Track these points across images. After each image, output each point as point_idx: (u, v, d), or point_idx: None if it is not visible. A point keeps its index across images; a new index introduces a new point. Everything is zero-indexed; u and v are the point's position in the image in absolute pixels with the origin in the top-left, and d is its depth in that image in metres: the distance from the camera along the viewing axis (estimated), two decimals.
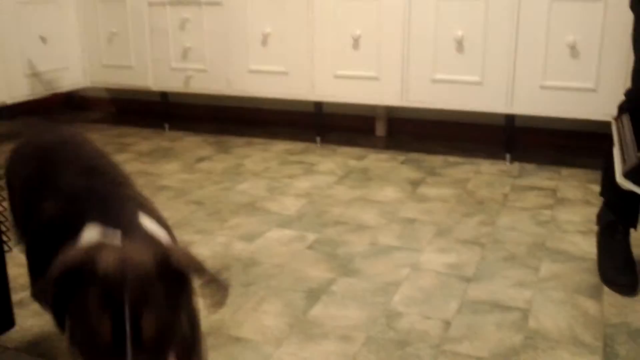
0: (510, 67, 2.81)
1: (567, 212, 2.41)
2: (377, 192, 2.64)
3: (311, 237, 2.21)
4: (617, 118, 1.70)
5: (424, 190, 2.66)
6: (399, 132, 3.54)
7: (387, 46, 3.01)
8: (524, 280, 1.89)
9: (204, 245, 2.15)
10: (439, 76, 2.95)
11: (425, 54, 2.95)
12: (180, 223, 2.34)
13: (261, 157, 3.17)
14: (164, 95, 3.72)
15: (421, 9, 2.91)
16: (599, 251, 1.98)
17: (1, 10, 3.20)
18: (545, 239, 2.17)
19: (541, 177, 2.80)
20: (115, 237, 0.89)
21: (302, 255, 2.07)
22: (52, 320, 1.03)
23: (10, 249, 1.68)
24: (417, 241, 2.17)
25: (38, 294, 0.91)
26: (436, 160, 3.07)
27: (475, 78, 2.88)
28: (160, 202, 2.56)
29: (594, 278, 1.90)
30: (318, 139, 3.37)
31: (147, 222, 1.00)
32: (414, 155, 3.15)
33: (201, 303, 0.92)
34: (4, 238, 1.65)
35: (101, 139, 3.53)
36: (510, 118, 2.98)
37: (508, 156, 3.01)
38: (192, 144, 3.43)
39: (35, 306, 1.70)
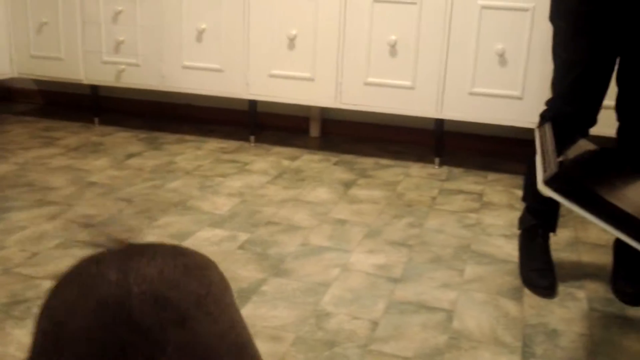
0: (441, 73, 2.88)
1: (492, 215, 2.49)
2: (310, 192, 2.67)
3: (243, 237, 2.21)
4: (540, 126, 1.77)
5: (355, 191, 2.70)
6: (332, 133, 3.58)
7: (323, 47, 3.04)
8: (449, 282, 1.95)
9: None
10: (372, 79, 2.99)
11: (359, 56, 2.99)
12: (109, 221, 2.30)
13: (193, 154, 3.14)
14: (94, 88, 3.63)
15: (356, 12, 2.95)
16: (520, 254, 2.06)
17: None
18: (470, 242, 2.24)
19: (468, 181, 2.88)
20: None
21: (233, 256, 2.07)
22: None
23: None
24: (348, 242, 2.20)
25: None
26: (368, 162, 3.12)
27: (407, 83, 2.94)
28: (87, 199, 2.50)
29: (515, 280, 1.98)
30: (252, 138, 3.37)
31: None
32: (347, 157, 3.19)
33: None
34: None
35: (28, 132, 3.43)
36: (439, 123, 3.05)
37: (437, 160, 3.09)
38: (123, 139, 3.37)
39: None
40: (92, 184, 2.68)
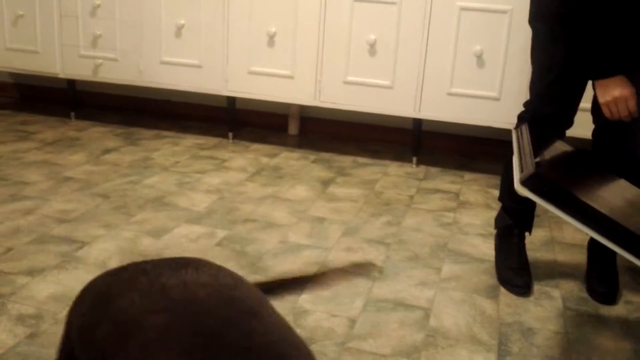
0: (420, 74, 2.90)
1: (468, 215, 2.51)
2: (288, 190, 2.67)
3: (220, 234, 2.21)
4: (517, 127, 1.80)
5: (333, 189, 2.70)
6: (311, 131, 3.58)
7: (302, 45, 3.04)
8: (426, 280, 1.96)
9: (109, 241, 2.10)
10: (351, 78, 3.00)
11: (339, 55, 3.00)
12: (85, 217, 2.28)
13: (171, 150, 3.13)
14: (71, 82, 3.60)
15: (336, 11, 2.95)
16: (497, 253, 2.08)
17: None
18: (447, 241, 2.26)
19: (445, 181, 2.91)
20: None
21: (211, 252, 2.07)
22: None
23: None
24: (326, 240, 2.20)
25: None
26: (346, 160, 3.13)
27: (386, 82, 2.95)
28: (64, 194, 2.48)
29: (491, 279, 2.00)
30: (230, 134, 3.36)
31: None
32: (325, 155, 3.19)
33: None
34: None
35: (3, 125, 3.38)
36: (417, 122, 3.07)
37: (415, 159, 3.10)
38: (99, 134, 3.34)
39: None
40: (68, 179, 2.65)
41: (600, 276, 1.96)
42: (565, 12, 1.74)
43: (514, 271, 1.98)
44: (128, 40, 3.30)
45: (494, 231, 2.15)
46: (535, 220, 2.08)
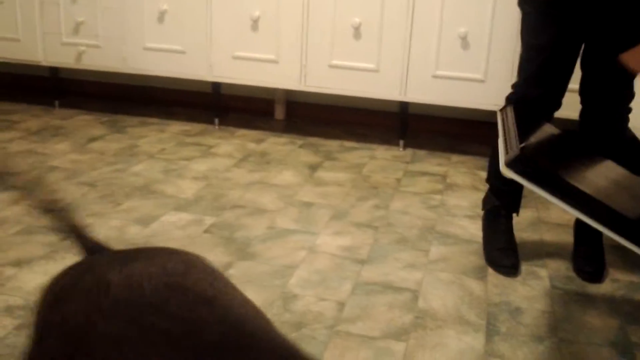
0: (405, 56, 2.90)
1: (456, 197, 2.52)
2: (276, 175, 2.66)
3: (208, 220, 2.20)
4: (502, 109, 1.80)
5: (321, 174, 2.70)
6: (297, 115, 3.57)
7: (286, 29, 3.02)
8: (414, 262, 1.97)
9: (97, 229, 2.10)
10: (336, 62, 2.99)
11: (323, 39, 2.98)
12: (72, 206, 2.27)
13: (157, 137, 3.11)
14: (54, 70, 3.56)
15: None
16: (484, 234, 2.09)
17: None
18: (435, 223, 2.27)
19: (432, 163, 2.91)
20: None
21: (200, 240, 2.06)
22: None
23: None
24: (314, 224, 2.21)
25: None
26: (333, 144, 3.12)
27: (372, 65, 2.95)
28: (49, 184, 2.46)
29: (479, 260, 2.01)
30: (216, 120, 3.34)
31: None
32: (312, 140, 3.19)
33: None
34: None
35: None
36: (404, 105, 3.07)
37: (401, 142, 3.11)
38: (84, 122, 3.31)
39: None
40: (54, 168, 2.63)
41: (587, 255, 1.98)
42: None
43: (502, 252, 1.99)
44: (110, 27, 3.26)
45: (481, 212, 2.16)
46: (522, 200, 2.09)
